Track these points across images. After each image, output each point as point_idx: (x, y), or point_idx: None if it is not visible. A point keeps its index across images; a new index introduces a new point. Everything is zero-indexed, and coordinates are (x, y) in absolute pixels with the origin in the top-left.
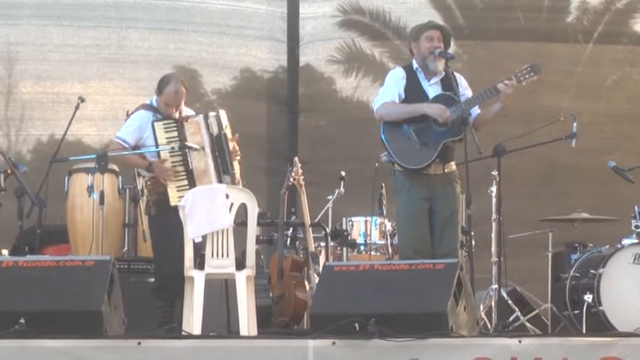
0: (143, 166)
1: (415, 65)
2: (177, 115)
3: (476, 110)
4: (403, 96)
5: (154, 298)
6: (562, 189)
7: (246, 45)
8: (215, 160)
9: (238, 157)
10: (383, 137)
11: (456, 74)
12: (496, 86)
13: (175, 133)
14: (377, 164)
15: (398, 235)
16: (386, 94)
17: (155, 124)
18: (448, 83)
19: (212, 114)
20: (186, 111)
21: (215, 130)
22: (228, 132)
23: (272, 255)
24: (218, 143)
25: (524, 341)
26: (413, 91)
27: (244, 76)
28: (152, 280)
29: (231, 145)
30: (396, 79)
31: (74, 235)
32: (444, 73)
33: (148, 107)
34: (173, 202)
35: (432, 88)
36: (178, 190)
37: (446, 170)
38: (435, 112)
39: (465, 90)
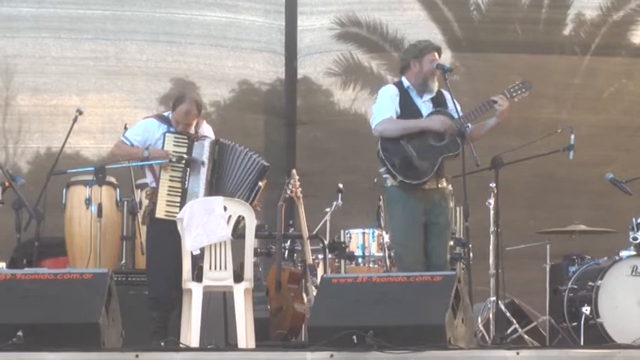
0: (140, 155)
1: (407, 83)
2: (192, 131)
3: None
4: (399, 111)
5: (149, 309)
6: (560, 201)
7: (244, 57)
8: (209, 184)
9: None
10: (381, 153)
11: (443, 90)
12: (490, 100)
13: (184, 149)
14: (375, 180)
15: (395, 246)
16: (383, 111)
17: (167, 134)
18: (438, 101)
19: (264, 163)
20: (207, 133)
21: (218, 156)
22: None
23: (270, 267)
24: (219, 171)
25: (522, 353)
26: (406, 108)
27: (242, 89)
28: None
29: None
30: (390, 96)
31: (72, 247)
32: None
33: (162, 118)
34: (159, 214)
35: (425, 105)
36: (167, 205)
37: (439, 185)
38: (436, 124)
39: (455, 104)
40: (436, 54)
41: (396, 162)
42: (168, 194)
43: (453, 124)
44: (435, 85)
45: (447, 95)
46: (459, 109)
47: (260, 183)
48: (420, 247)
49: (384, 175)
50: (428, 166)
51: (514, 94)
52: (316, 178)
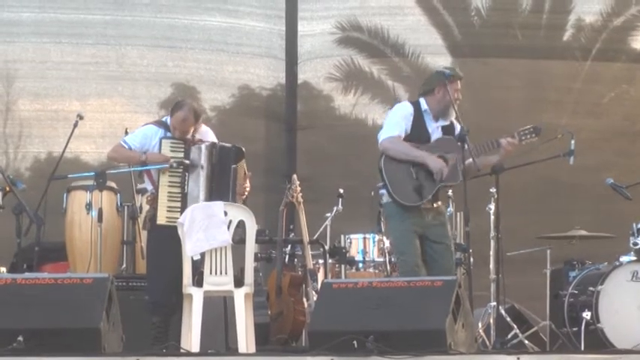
0: (138, 160)
1: (425, 107)
2: (189, 136)
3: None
4: (409, 132)
5: (149, 314)
6: (560, 206)
7: (245, 62)
8: (209, 188)
9: (244, 196)
10: (382, 168)
11: (454, 121)
12: (499, 141)
13: (181, 154)
14: (372, 193)
15: (397, 253)
16: (393, 128)
17: (163, 140)
18: (449, 130)
19: (225, 145)
20: (205, 134)
21: (219, 158)
22: (241, 168)
23: (270, 272)
24: (221, 173)
25: (522, 358)
26: (417, 130)
27: (242, 94)
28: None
29: (247, 185)
30: (404, 115)
31: (73, 252)
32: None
33: (161, 124)
34: (160, 220)
35: (436, 131)
36: (169, 211)
37: (435, 205)
38: (435, 168)
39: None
40: (459, 83)
41: (395, 181)
42: (169, 200)
43: (452, 159)
44: (453, 115)
45: (457, 126)
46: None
47: (234, 165)
48: (417, 252)
49: (380, 192)
50: (425, 191)
51: (523, 138)
52: (317, 183)
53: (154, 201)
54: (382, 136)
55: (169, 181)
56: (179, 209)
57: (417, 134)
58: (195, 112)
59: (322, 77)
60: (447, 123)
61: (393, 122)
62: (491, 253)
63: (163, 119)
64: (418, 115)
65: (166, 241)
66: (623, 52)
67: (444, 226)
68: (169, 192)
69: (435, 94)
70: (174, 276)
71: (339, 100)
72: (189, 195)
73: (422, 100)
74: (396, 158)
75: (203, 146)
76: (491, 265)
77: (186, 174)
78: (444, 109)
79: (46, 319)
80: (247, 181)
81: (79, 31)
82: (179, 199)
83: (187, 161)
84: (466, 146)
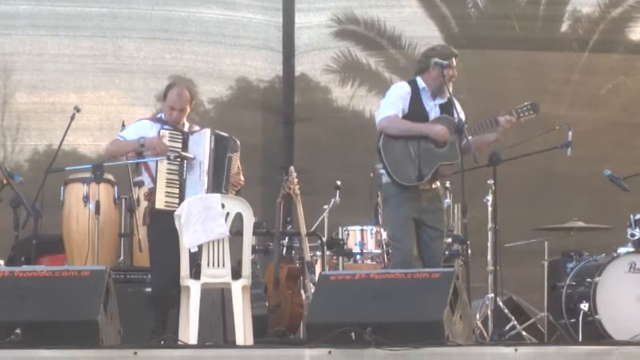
0: (136, 146)
1: (422, 85)
2: (185, 128)
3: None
4: (407, 111)
5: (148, 306)
6: (558, 198)
7: (242, 54)
8: (210, 174)
9: (237, 188)
10: (381, 148)
11: (453, 98)
12: (497, 119)
13: (180, 144)
14: (372, 174)
15: (393, 240)
16: (390, 107)
17: (162, 131)
18: (448, 107)
19: (223, 134)
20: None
21: (217, 147)
22: (235, 159)
23: (268, 264)
24: (218, 161)
25: (520, 350)
26: (415, 109)
27: (240, 86)
28: (149, 289)
29: (241, 177)
30: (401, 95)
31: (70, 245)
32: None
33: (155, 119)
34: (159, 204)
35: (434, 109)
36: (166, 196)
37: (433, 186)
38: (437, 135)
39: (460, 113)
40: (454, 60)
41: (394, 161)
42: (167, 186)
43: (451, 136)
44: (449, 91)
45: (456, 103)
46: (463, 117)
47: (230, 154)
48: (413, 240)
49: (380, 171)
50: (425, 170)
51: (521, 115)
52: (314, 175)
53: (151, 195)
54: (379, 116)
55: (168, 169)
56: (177, 195)
57: (415, 114)
58: (189, 88)
59: (319, 69)
60: (444, 101)
61: (390, 102)
62: (489, 244)
63: (158, 115)
64: (415, 94)
65: (166, 235)
66: (621, 44)
67: (441, 211)
68: (168, 178)
69: (431, 72)
70: (175, 270)
71: (337, 92)
72: (192, 181)
73: (418, 79)
74: (395, 136)
75: (201, 134)
76: (489, 257)
77: (184, 162)
78: (440, 86)
79: (44, 311)
80: (241, 175)
81: (75, 24)
82: (177, 185)
83: (185, 154)
84: (465, 140)
